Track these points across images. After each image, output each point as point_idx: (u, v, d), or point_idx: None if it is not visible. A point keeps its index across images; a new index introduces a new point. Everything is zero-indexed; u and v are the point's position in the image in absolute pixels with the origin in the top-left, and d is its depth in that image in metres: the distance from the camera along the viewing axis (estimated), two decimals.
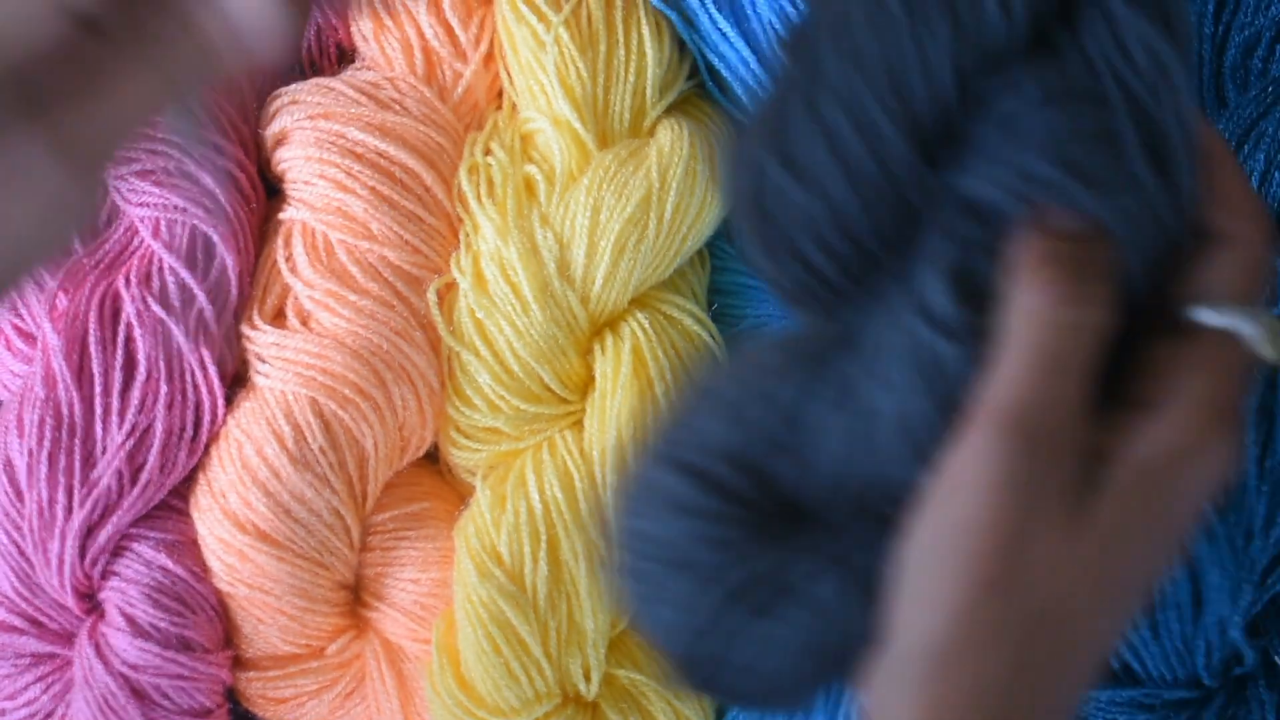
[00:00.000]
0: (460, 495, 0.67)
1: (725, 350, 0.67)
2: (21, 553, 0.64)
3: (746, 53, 0.67)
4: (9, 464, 0.64)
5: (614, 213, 0.64)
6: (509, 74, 0.67)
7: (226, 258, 0.66)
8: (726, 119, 0.69)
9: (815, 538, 0.38)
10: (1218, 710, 0.64)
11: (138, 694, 0.63)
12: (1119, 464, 0.35)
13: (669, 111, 0.67)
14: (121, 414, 0.64)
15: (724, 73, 0.68)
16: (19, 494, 0.64)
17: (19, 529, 0.64)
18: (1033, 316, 0.35)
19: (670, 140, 0.65)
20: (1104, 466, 0.35)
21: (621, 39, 0.66)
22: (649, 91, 0.66)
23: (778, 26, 0.67)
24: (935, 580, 0.35)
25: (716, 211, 0.67)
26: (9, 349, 0.67)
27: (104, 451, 0.64)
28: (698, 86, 0.69)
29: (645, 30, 0.66)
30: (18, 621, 0.65)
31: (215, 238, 0.66)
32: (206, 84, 0.35)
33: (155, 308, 0.65)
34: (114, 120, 0.34)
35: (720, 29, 0.67)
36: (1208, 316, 0.36)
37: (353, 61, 0.69)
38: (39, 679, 0.65)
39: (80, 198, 0.34)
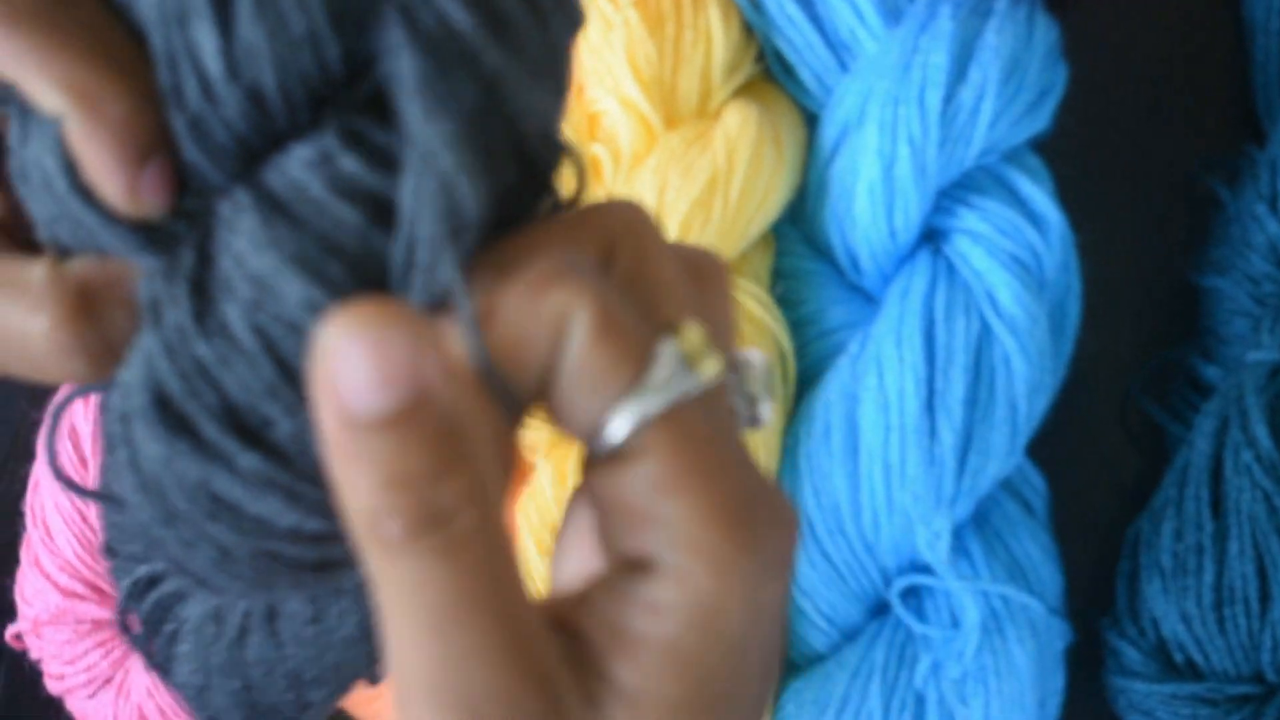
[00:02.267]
0: (521, 473, 0.67)
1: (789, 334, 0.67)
2: (84, 519, 0.65)
3: (814, 37, 0.67)
4: (74, 431, 0.65)
5: (680, 194, 0.64)
6: (576, 54, 0.67)
7: None
8: (793, 103, 0.69)
9: None
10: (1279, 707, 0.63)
11: None
12: (626, 663, 0.25)
13: (735, 94, 0.67)
14: None
15: (790, 57, 0.68)
16: (83, 460, 0.65)
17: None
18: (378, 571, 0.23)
19: (737, 123, 0.65)
20: (603, 679, 0.25)
21: (690, 21, 0.66)
22: (716, 74, 0.66)
23: (844, 14, 0.67)
24: None
25: (782, 195, 0.67)
26: None
27: None
28: (764, 70, 0.69)
29: (713, 13, 0.66)
30: (79, 588, 0.65)
31: None
32: None
33: None
34: None
35: (787, 13, 0.67)
36: (619, 429, 0.25)
37: None
38: (99, 645, 0.65)
39: None
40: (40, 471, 0.66)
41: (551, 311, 0.24)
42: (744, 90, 0.68)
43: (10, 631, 0.67)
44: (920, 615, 0.64)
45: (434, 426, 0.22)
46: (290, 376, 0.26)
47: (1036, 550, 0.65)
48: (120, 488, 0.30)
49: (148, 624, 0.36)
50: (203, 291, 0.27)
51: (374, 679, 0.38)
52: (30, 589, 0.66)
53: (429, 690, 0.23)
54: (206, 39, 0.26)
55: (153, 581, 0.36)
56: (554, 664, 0.25)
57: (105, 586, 0.65)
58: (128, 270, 0.29)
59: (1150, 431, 0.72)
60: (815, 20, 0.67)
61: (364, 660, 0.36)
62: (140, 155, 0.28)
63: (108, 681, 0.65)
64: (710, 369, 0.26)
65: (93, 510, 0.64)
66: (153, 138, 0.28)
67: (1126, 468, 0.72)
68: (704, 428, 0.25)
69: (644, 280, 0.27)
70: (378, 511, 0.22)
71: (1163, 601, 0.64)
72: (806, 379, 0.67)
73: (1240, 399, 0.65)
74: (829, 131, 0.67)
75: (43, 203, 0.29)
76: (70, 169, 0.28)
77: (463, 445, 0.23)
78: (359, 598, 0.35)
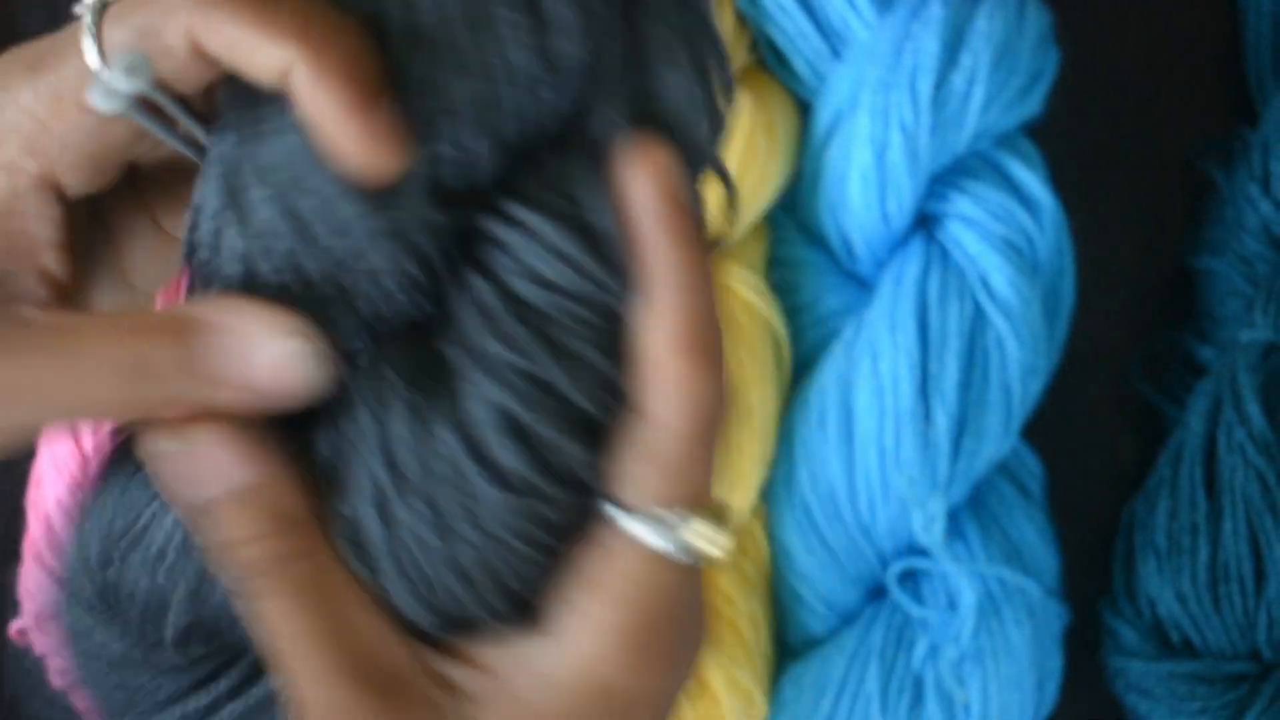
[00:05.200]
0: None
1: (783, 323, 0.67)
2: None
3: (806, 25, 0.67)
4: (74, 426, 0.65)
5: None
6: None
7: None
8: (787, 92, 0.69)
9: None
10: (1276, 684, 0.64)
11: None
12: (484, 702, 0.29)
13: None
14: None
15: (783, 45, 0.68)
16: (84, 457, 0.65)
17: (83, 490, 0.65)
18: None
19: (730, 112, 0.65)
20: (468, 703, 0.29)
21: None
22: None
23: (837, 2, 0.67)
24: None
25: (776, 183, 0.67)
26: None
27: None
28: (757, 59, 0.69)
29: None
30: None
31: None
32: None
33: None
34: None
35: (780, 1, 0.67)
36: (618, 517, 0.28)
37: None
38: None
39: None
40: (42, 467, 0.67)
41: (682, 378, 0.29)
42: (737, 79, 0.68)
43: (14, 627, 0.67)
44: (917, 598, 0.65)
45: (252, 510, 0.28)
46: None
47: (1033, 532, 0.66)
48: None
49: None
50: None
51: None
52: (33, 584, 0.66)
53: (302, 709, 0.29)
54: None
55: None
56: (406, 673, 0.29)
57: None
58: None
59: (1146, 414, 0.72)
60: (807, 8, 0.67)
61: None
62: (371, 91, 0.27)
63: None
64: (720, 548, 0.29)
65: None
66: (379, 76, 0.28)
67: (1122, 450, 0.72)
68: (663, 590, 0.29)
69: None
70: (239, 562, 0.29)
71: (1158, 581, 0.65)
72: (802, 365, 0.67)
73: (1233, 378, 0.65)
74: (822, 119, 0.67)
75: (279, 240, 0.29)
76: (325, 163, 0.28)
77: (273, 519, 0.29)
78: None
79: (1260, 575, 0.63)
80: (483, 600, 0.29)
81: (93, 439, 0.65)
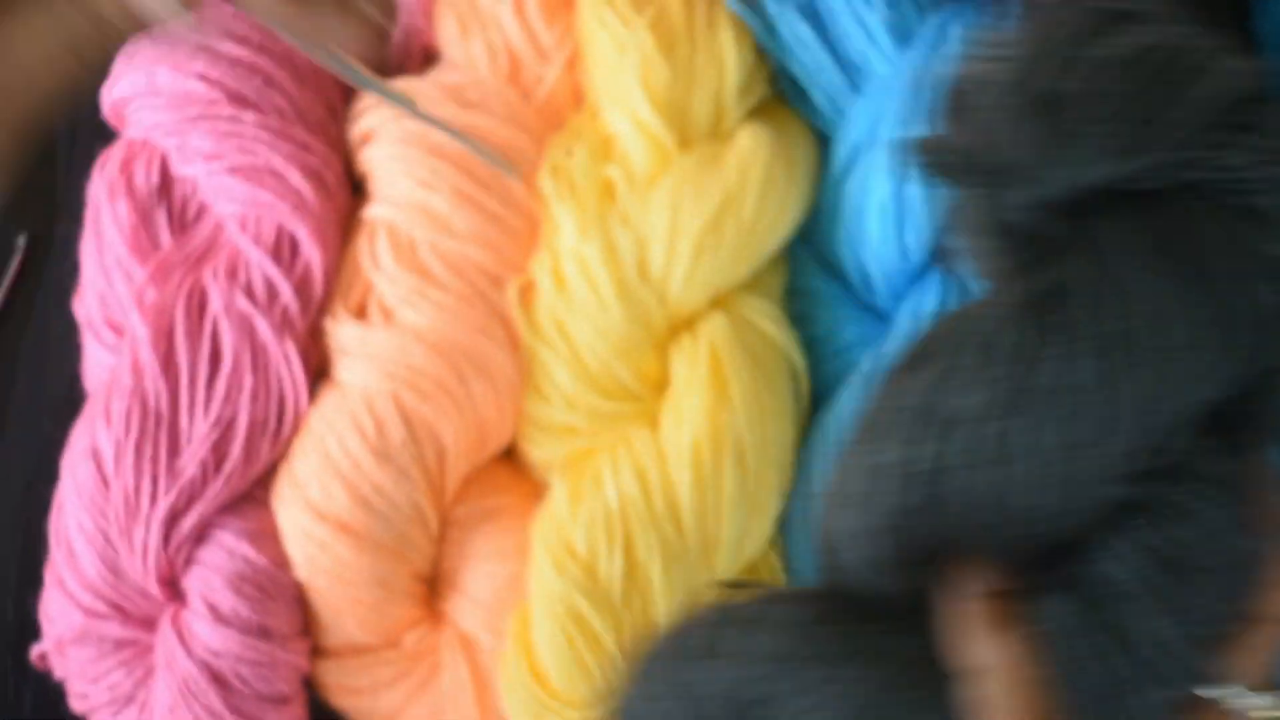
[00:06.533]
0: (536, 491, 0.68)
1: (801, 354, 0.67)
2: (107, 539, 0.66)
3: (825, 59, 0.67)
4: (96, 452, 0.66)
5: (693, 214, 0.64)
6: (591, 76, 0.68)
7: (311, 253, 0.67)
8: (806, 125, 0.69)
9: None
10: None
11: (218, 680, 0.64)
12: None
13: (748, 116, 0.68)
14: (207, 404, 0.65)
15: (802, 79, 0.68)
16: (105, 481, 0.66)
17: (105, 516, 0.65)
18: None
19: (750, 144, 0.66)
20: None
21: (704, 43, 0.66)
22: (729, 95, 0.67)
23: (855, 36, 0.67)
24: None
25: (795, 216, 0.67)
26: (97, 340, 0.69)
27: (189, 441, 0.65)
28: (777, 92, 0.70)
29: (726, 35, 0.67)
30: (102, 607, 0.66)
31: (301, 234, 0.67)
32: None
33: (241, 301, 0.66)
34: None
35: (799, 35, 0.67)
36: (1230, 696, 0.36)
37: (438, 63, 0.70)
38: (121, 664, 0.66)
39: None
40: (64, 492, 0.67)
41: None
42: (757, 112, 0.69)
43: (35, 651, 0.68)
44: None
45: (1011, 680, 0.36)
46: None
47: None
48: None
49: None
50: None
51: None
52: (54, 609, 0.67)
53: None
54: None
55: None
56: None
57: (128, 606, 0.66)
58: None
59: None
60: (827, 42, 0.68)
61: None
62: None
63: (130, 700, 0.66)
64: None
65: (114, 529, 0.65)
66: None
67: None
68: None
69: None
70: None
71: None
72: (820, 397, 0.68)
73: None
74: (841, 152, 0.68)
75: None
76: None
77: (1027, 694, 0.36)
78: None
79: None
80: None
81: (116, 463, 0.65)
